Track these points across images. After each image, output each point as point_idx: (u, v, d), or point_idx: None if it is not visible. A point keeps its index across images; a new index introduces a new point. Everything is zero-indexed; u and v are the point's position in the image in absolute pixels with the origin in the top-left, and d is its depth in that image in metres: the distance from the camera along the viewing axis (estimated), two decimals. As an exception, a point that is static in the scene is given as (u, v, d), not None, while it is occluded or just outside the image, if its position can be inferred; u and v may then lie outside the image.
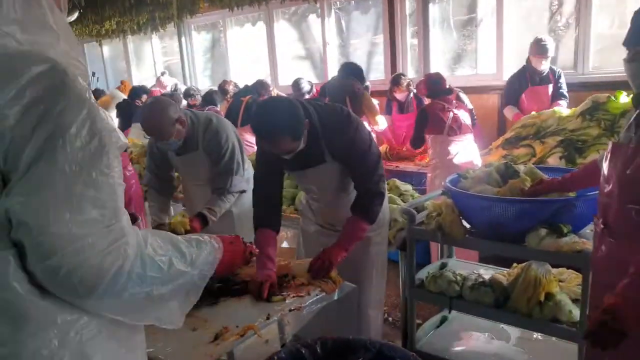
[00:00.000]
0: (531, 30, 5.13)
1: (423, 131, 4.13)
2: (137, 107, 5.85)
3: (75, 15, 1.23)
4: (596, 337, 1.36)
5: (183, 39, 8.33)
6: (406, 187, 3.11)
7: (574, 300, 2.20)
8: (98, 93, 7.83)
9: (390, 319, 3.40)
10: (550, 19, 5.21)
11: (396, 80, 4.88)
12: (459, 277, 2.48)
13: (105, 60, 10.19)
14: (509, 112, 4.54)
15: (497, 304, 2.32)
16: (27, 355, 0.90)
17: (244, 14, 7.26)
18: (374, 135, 4.53)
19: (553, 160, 3.57)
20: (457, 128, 3.98)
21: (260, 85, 5.51)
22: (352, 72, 4.44)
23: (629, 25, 1.55)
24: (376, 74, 6.41)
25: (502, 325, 2.71)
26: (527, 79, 4.44)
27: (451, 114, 3.97)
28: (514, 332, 2.69)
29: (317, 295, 1.95)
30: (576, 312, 2.12)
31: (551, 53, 4.29)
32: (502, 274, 2.48)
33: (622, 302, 1.35)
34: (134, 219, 2.68)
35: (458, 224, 2.35)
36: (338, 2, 6.62)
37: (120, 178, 0.96)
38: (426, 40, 5.17)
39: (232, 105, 5.46)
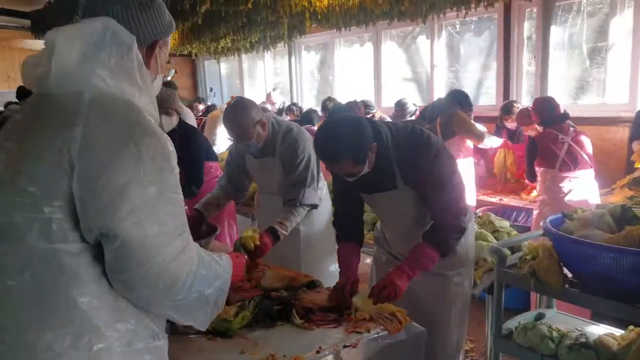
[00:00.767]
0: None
1: (533, 163, 3.73)
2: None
3: (172, 73, 1.47)
4: None
5: (293, 59, 8.56)
6: (502, 223, 2.78)
7: None
8: (211, 108, 8.33)
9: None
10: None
11: (508, 108, 4.52)
12: (555, 333, 2.12)
13: (222, 77, 10.85)
14: (638, 147, 3.95)
15: (601, 372, 1.93)
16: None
17: (352, 34, 7.27)
18: (475, 163, 4.25)
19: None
20: (572, 163, 3.52)
21: (354, 104, 5.42)
22: (455, 97, 4.20)
23: None
24: (486, 99, 6.03)
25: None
26: (663, 111, 3.84)
27: (566, 146, 3.53)
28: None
29: (377, 333, 1.75)
30: None
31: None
32: (612, 337, 2.08)
33: None
34: (213, 229, 2.64)
35: (556, 272, 2.01)
36: (450, 27, 6.36)
37: (182, 194, 1.14)
38: (544, 65, 4.72)
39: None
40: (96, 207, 1.00)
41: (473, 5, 4.60)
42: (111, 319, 1.07)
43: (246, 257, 1.69)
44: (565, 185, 3.49)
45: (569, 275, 2.05)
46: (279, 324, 1.83)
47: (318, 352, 1.64)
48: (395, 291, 1.86)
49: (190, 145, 3.22)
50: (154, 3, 1.20)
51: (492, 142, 4.19)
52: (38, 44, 8.85)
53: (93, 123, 1.01)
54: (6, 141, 1.10)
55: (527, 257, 2.16)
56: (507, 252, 2.43)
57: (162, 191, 1.05)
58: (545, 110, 3.71)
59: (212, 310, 1.22)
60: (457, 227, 1.95)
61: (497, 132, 4.69)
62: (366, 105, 5.68)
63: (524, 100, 5.43)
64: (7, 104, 6.28)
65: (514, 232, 2.75)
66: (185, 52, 9.35)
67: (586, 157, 3.54)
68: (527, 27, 5.44)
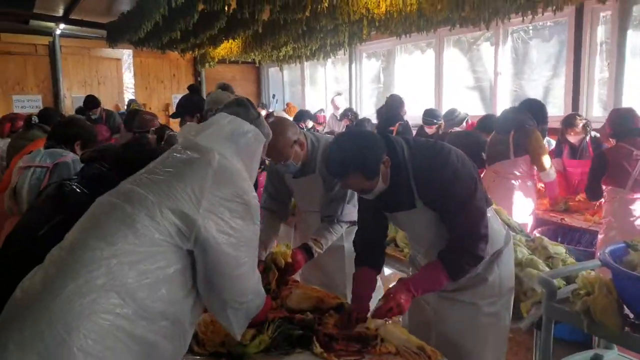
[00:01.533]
0: None
1: (599, 180, 3.40)
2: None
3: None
4: None
5: (353, 66, 8.49)
6: (557, 249, 2.53)
7: None
8: (270, 114, 8.44)
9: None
10: None
11: (570, 121, 4.17)
12: (613, 381, 1.89)
13: (284, 84, 10.97)
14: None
15: None
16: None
17: (414, 41, 7.08)
18: (536, 184, 3.94)
19: None
20: (647, 183, 3.17)
21: (366, 121, 5.34)
22: (529, 107, 3.90)
23: None
24: (553, 109, 5.63)
25: None
26: None
27: (640, 164, 3.19)
28: None
29: (402, 369, 1.63)
30: None
31: None
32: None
33: None
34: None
35: (614, 313, 1.78)
36: (519, 32, 6.01)
37: (259, 227, 1.55)
38: (619, 72, 4.33)
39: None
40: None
41: (540, 10, 4.30)
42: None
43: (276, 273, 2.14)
44: (636, 209, 3.15)
45: (631, 315, 1.82)
46: (297, 351, 1.75)
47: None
48: (397, 309, 1.76)
49: None
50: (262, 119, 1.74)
51: (549, 177, 3.88)
52: (112, 53, 9.41)
53: (216, 178, 1.42)
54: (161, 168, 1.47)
55: (581, 291, 1.94)
56: (561, 282, 2.21)
57: (250, 224, 1.48)
58: (622, 121, 3.37)
59: (246, 323, 1.58)
60: (472, 253, 1.79)
61: (558, 147, 4.34)
62: (433, 115, 5.44)
63: (595, 110, 5.02)
64: (78, 110, 6.67)
65: (570, 260, 2.49)
66: (249, 60, 9.57)
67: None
68: (601, 32, 5.02)
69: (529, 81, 6.02)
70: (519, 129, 3.78)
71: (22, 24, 8.51)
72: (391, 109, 5.79)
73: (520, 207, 3.79)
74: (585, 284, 1.93)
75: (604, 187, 3.36)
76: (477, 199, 1.78)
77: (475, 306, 1.92)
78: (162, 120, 7.09)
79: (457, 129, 5.03)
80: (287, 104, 8.77)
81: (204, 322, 1.83)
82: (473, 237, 1.77)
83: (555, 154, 4.32)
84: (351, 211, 2.48)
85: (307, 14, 5.48)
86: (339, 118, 7.53)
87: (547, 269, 2.34)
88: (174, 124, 6.08)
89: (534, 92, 5.86)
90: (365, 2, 5.20)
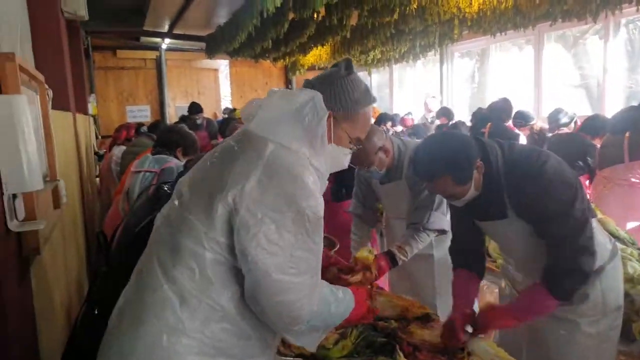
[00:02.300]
0: None
1: None
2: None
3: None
4: None
5: (444, 66, 8.26)
6: (678, 263, 2.25)
7: None
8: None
9: None
10: None
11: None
12: None
13: (372, 88, 10.94)
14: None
15: None
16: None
17: (511, 38, 6.72)
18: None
19: None
20: None
21: (500, 110, 4.94)
22: None
23: None
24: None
25: None
26: None
27: None
28: None
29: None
30: None
31: None
32: None
33: None
34: (332, 245, 2.64)
35: None
36: (630, 24, 5.49)
37: (322, 243, 1.26)
38: None
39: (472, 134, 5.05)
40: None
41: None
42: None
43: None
44: None
45: None
46: (380, 358, 1.71)
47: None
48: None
49: None
50: (343, 80, 1.34)
51: None
52: (210, 63, 10.01)
53: (263, 180, 1.17)
54: (215, 159, 1.31)
55: None
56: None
57: (306, 239, 1.20)
58: None
59: (321, 336, 1.36)
60: (574, 270, 1.63)
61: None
62: (523, 117, 5.11)
63: None
64: (182, 118, 7.15)
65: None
66: (338, 65, 9.67)
67: None
68: None
69: (646, 76, 5.48)
70: (637, 129, 3.42)
71: (134, 41, 9.35)
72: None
73: (633, 217, 3.42)
74: None
75: None
76: (576, 209, 1.63)
77: (574, 323, 1.76)
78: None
79: (565, 129, 4.66)
80: (372, 108, 8.71)
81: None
82: (573, 250, 1.62)
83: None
84: (439, 219, 2.39)
85: (396, 16, 5.43)
86: (429, 121, 7.27)
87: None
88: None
89: (650, 88, 5.32)
90: (457, 1, 5.04)
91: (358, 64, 8.64)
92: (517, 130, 5.03)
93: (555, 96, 6.44)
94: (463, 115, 7.53)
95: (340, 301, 1.35)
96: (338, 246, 2.77)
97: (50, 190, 1.89)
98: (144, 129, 5.13)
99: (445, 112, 6.85)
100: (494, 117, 4.90)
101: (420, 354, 1.71)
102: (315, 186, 1.24)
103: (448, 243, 2.39)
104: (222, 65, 10.51)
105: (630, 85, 5.62)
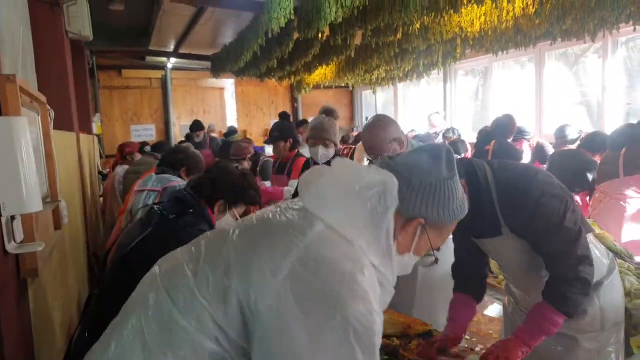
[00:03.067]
0: None
1: None
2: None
3: None
4: None
5: (448, 84, 8.30)
6: (680, 281, 2.23)
7: None
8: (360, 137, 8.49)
9: None
10: None
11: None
12: None
13: (377, 106, 11.00)
14: None
15: None
16: None
17: (513, 57, 6.77)
18: None
19: None
20: None
21: (503, 127, 4.97)
22: None
23: None
24: (678, 123, 5.04)
25: None
26: None
27: None
28: None
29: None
30: None
31: None
32: None
33: None
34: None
35: None
36: (630, 42, 5.51)
37: None
38: None
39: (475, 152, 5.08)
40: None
41: (655, 17, 3.92)
42: None
43: None
44: None
45: None
46: (382, 377, 1.70)
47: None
48: None
49: None
50: (445, 183, 1.12)
51: None
52: (216, 82, 10.10)
53: (298, 270, 0.91)
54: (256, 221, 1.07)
55: None
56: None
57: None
58: None
59: None
60: (577, 279, 1.62)
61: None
62: (519, 131, 5.16)
63: None
64: (187, 136, 7.21)
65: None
66: (343, 84, 9.77)
67: None
68: None
69: (645, 93, 5.48)
70: (633, 145, 3.42)
71: (140, 60, 9.47)
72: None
73: (630, 232, 3.40)
74: None
75: None
76: (568, 219, 1.62)
77: (573, 339, 1.75)
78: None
79: (571, 146, 4.66)
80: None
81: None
82: (570, 261, 1.62)
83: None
84: None
85: (399, 36, 5.49)
86: (434, 135, 7.25)
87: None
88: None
89: (652, 105, 5.32)
90: (459, 21, 5.09)
91: (363, 82, 8.70)
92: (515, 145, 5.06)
93: (556, 113, 6.46)
94: (467, 131, 7.56)
95: None
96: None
97: (51, 211, 1.90)
98: (148, 148, 5.18)
99: (447, 134, 6.90)
100: (497, 133, 4.92)
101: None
102: (372, 290, 0.96)
103: (432, 258, 2.38)
104: (228, 84, 10.61)
105: (629, 102, 5.62)
